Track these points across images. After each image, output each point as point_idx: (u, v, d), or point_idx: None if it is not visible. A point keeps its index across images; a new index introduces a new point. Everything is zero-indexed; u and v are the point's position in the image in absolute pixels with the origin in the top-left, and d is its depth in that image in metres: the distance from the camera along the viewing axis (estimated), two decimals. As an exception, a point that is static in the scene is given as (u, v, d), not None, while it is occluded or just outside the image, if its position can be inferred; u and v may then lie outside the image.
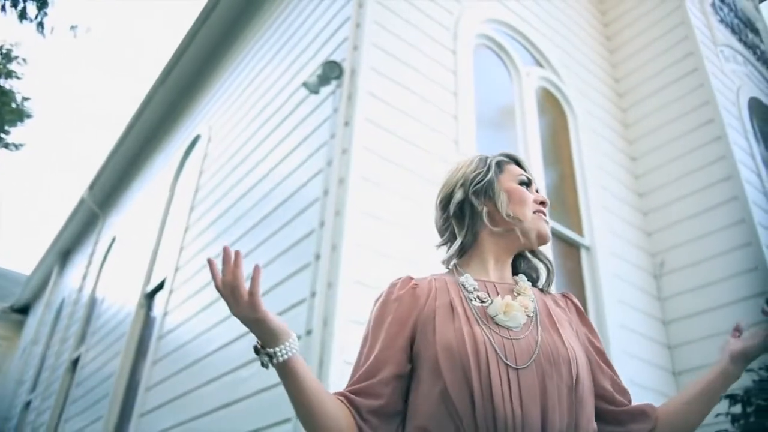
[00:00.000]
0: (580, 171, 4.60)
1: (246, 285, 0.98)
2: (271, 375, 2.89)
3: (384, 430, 1.07)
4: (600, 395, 1.15)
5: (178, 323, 4.32)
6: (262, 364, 1.01)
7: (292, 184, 3.54)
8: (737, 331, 1.18)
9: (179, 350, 4.11)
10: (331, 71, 3.43)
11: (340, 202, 2.93)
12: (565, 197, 4.52)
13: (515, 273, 1.26)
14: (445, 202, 1.28)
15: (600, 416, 1.14)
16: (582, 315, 1.24)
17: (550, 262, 1.28)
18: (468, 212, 1.24)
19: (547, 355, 1.04)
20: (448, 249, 1.26)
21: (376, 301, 1.23)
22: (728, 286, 4.07)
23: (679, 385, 4.10)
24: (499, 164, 1.29)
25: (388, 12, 3.75)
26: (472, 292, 1.14)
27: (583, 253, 4.30)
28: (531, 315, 1.11)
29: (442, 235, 1.30)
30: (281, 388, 2.82)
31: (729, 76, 5.31)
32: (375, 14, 3.63)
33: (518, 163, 1.32)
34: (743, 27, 6.49)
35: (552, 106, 4.90)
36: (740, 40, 6.20)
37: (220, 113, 5.53)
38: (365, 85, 3.33)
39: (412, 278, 1.22)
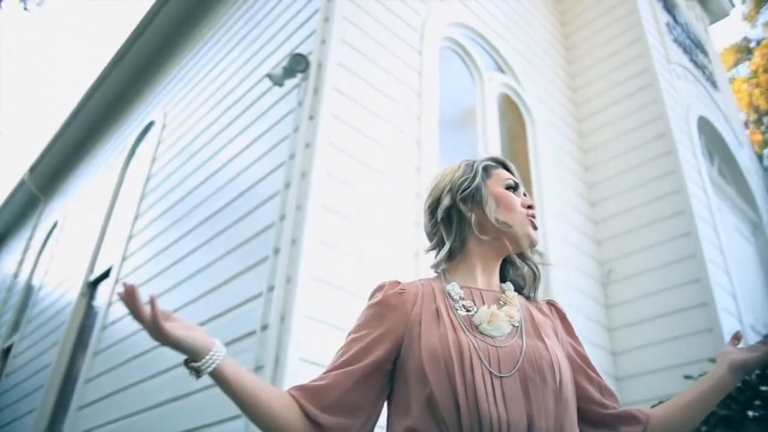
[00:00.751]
0: (537, 177, 4.68)
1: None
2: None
3: (342, 423, 1.07)
4: (588, 399, 1.16)
5: (124, 313, 4.17)
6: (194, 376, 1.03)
7: (251, 175, 3.47)
8: (736, 339, 1.19)
9: (124, 342, 3.98)
10: (297, 64, 3.38)
11: (302, 196, 2.89)
12: (520, 203, 4.58)
13: (503, 279, 1.27)
14: (432, 207, 1.28)
15: (589, 420, 1.16)
16: (566, 322, 1.26)
17: (537, 267, 1.28)
18: (456, 218, 1.23)
19: (531, 361, 1.05)
20: (437, 254, 1.25)
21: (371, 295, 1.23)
22: (672, 296, 4.21)
23: (621, 390, 4.21)
24: (486, 169, 1.29)
25: (357, 8, 3.73)
26: (457, 301, 1.14)
27: (537, 259, 4.37)
28: (516, 324, 1.12)
29: (431, 240, 1.29)
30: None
31: (681, 94, 5.50)
32: (344, 9, 3.60)
33: (506, 167, 1.33)
34: (694, 48, 6.75)
35: (512, 112, 4.96)
36: (691, 60, 6.44)
37: (176, 100, 5.38)
38: (331, 80, 3.29)
39: (399, 282, 1.21)
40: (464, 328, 1.08)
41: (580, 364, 1.19)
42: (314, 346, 2.51)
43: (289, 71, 3.42)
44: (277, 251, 2.82)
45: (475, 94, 4.67)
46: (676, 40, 6.25)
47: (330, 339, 2.57)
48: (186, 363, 1.02)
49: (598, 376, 1.21)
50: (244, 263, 3.03)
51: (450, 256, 1.23)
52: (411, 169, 3.53)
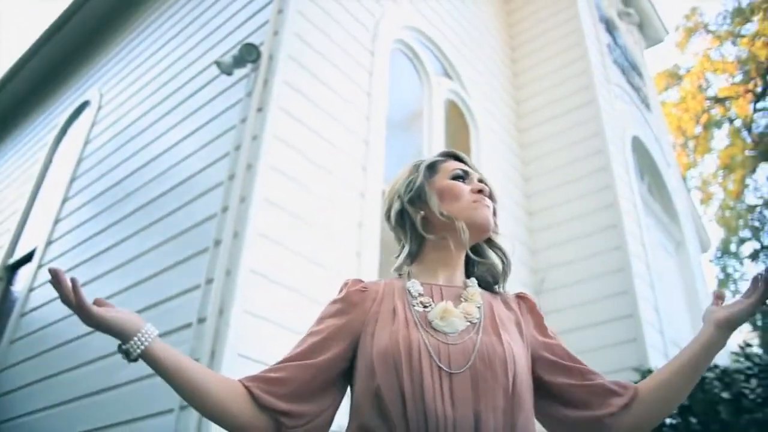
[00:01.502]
0: (478, 185, 4.76)
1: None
2: (142, 368, 2.73)
3: (298, 410, 1.07)
4: (561, 388, 1.14)
5: (47, 300, 3.97)
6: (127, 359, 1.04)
7: (194, 164, 3.37)
8: (719, 298, 1.13)
9: (46, 330, 3.79)
10: (248, 54, 3.31)
11: (246, 189, 2.83)
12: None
13: (470, 274, 1.25)
14: (387, 214, 1.29)
15: (565, 401, 1.13)
16: (535, 314, 1.22)
17: (504, 254, 1.26)
18: (408, 221, 1.24)
19: (483, 358, 1.04)
20: (398, 257, 1.26)
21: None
22: (600, 307, 4.37)
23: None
24: (431, 166, 1.28)
25: (311, 3, 3.69)
26: (416, 297, 1.14)
27: (507, 249, 4.44)
28: (475, 321, 1.11)
29: (398, 244, 1.30)
30: (158, 378, 2.68)
31: (617, 113, 5.73)
32: (298, 3, 3.55)
33: (457, 158, 1.32)
34: (631, 70, 7.04)
35: (457, 118, 5.04)
36: (628, 81, 6.71)
37: (115, 80, 5.17)
38: (282, 74, 3.24)
39: (361, 281, 1.21)
40: (418, 325, 1.08)
41: (549, 358, 1.16)
42: (252, 342, 2.46)
43: (239, 61, 3.34)
44: (217, 243, 2.76)
45: (423, 97, 4.71)
46: (615, 61, 6.50)
47: (269, 335, 2.53)
48: (119, 347, 1.02)
49: (575, 362, 1.18)
50: (182, 254, 2.94)
51: (411, 258, 1.24)
52: (357, 169, 3.53)
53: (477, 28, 5.76)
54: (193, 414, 2.26)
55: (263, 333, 2.52)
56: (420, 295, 1.15)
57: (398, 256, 1.26)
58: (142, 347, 1.01)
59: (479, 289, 1.21)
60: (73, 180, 4.82)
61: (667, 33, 8.89)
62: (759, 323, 14.23)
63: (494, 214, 1.26)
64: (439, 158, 1.31)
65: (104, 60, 5.63)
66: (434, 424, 0.97)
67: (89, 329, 3.09)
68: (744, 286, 14.75)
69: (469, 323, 1.10)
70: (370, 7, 4.24)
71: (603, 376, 1.16)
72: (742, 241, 14.92)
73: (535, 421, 1.10)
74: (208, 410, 1.04)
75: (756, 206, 14.72)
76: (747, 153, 14.21)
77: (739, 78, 14.09)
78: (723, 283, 14.70)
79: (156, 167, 3.75)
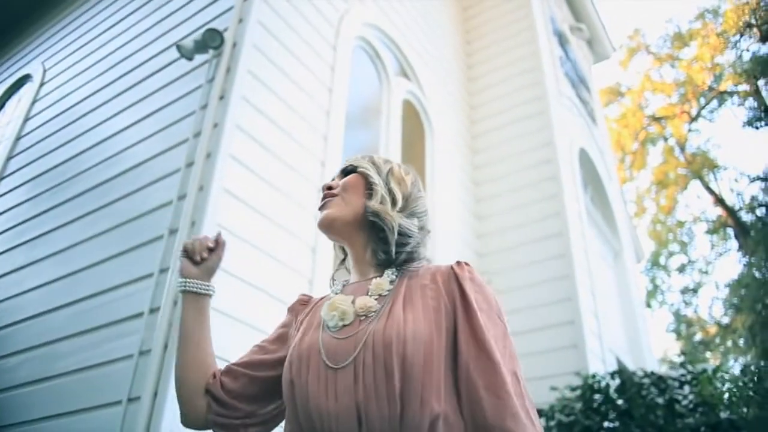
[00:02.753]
0: (431, 185, 4.81)
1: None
2: (99, 352, 2.62)
3: (240, 406, 1.18)
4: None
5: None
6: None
7: (148, 148, 3.26)
8: None
9: (-24, 314, 3.58)
10: (212, 40, 3.23)
11: (205, 178, 2.76)
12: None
13: (393, 261, 1.18)
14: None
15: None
16: (459, 285, 1.09)
17: (381, 217, 1.18)
18: None
19: (369, 347, 1.01)
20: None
21: None
22: (543, 312, 4.49)
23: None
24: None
25: (277, -8, 3.63)
26: (329, 300, 1.18)
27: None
28: (372, 314, 1.07)
29: None
30: (109, 368, 2.58)
31: (566, 125, 5.89)
32: (264, -9, 3.49)
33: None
34: (579, 83, 7.26)
35: (413, 118, 5.07)
36: (577, 94, 6.92)
37: (61, 55, 4.94)
38: (246, 62, 3.18)
39: (307, 296, 1.32)
40: (321, 326, 1.12)
41: (458, 344, 1.03)
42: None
43: (201, 46, 3.26)
44: (173, 232, 2.68)
45: (381, 96, 4.72)
46: (566, 74, 6.69)
47: (222, 327, 2.48)
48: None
49: (478, 352, 1.01)
50: (132, 241, 2.84)
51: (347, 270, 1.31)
52: (316, 164, 3.50)
53: (435, 31, 5.81)
54: (143, 406, 2.19)
55: (216, 325, 2.46)
56: (335, 294, 1.19)
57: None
58: (180, 288, 1.26)
59: (391, 276, 1.15)
60: (9, 158, 4.58)
61: (614, 50, 9.23)
62: (682, 332, 14.94)
63: (367, 182, 1.24)
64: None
65: (48, 32, 5.38)
66: (318, 420, 0.99)
67: (26, 314, 2.94)
68: (671, 297, 15.46)
69: (363, 316, 1.08)
70: (334, 2, 4.22)
71: (483, 407, 0.96)
72: (670, 254, 15.64)
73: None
74: (178, 376, 1.23)
75: (685, 222, 15.46)
76: (679, 171, 14.90)
77: (675, 99, 14.76)
78: (651, 294, 15.36)
79: (105, 150, 3.61)
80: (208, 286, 1.26)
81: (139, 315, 2.50)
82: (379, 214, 1.18)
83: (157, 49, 3.73)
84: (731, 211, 14.20)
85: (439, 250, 4.52)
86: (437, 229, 4.61)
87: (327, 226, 1.21)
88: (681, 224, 15.40)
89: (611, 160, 8.04)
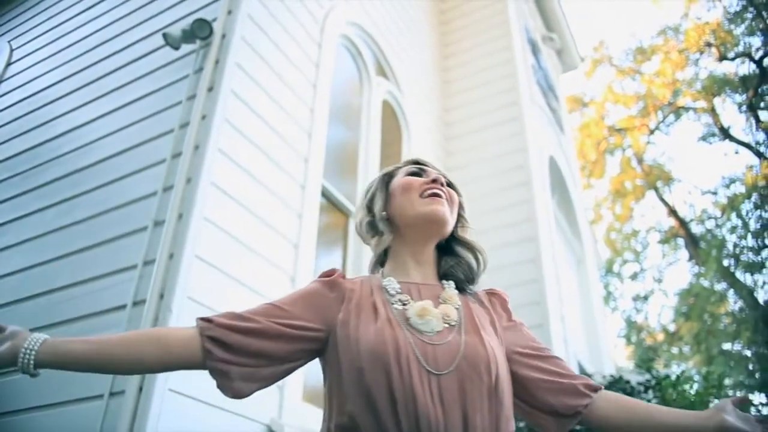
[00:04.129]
0: (407, 187, 4.84)
1: None
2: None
3: (237, 360, 1.09)
4: (536, 384, 1.16)
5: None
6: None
7: (129, 137, 3.19)
8: (742, 401, 1.09)
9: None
10: (201, 30, 3.19)
11: (192, 170, 2.72)
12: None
13: (443, 273, 1.27)
14: (358, 226, 1.34)
15: (533, 394, 1.16)
16: (506, 310, 1.26)
17: (477, 252, 1.28)
18: (370, 228, 1.29)
19: (468, 359, 1.07)
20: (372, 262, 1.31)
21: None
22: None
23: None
24: (390, 172, 1.34)
25: (266, -14, 3.60)
26: (393, 296, 1.16)
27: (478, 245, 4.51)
28: (453, 323, 1.13)
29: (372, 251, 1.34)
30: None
31: (538, 132, 6.01)
32: (253, -16, 3.45)
33: (417, 162, 1.36)
34: (549, 92, 7.41)
35: (391, 118, 5.09)
36: (547, 102, 7.06)
37: (32, 34, 4.76)
38: (235, 55, 3.15)
39: (343, 274, 1.24)
40: (400, 324, 1.10)
41: (523, 353, 1.18)
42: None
43: (189, 36, 3.21)
44: (158, 223, 2.63)
45: (362, 94, 4.73)
46: (538, 82, 6.82)
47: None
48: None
49: (545, 358, 1.19)
50: (115, 231, 2.78)
51: (381, 259, 1.28)
52: (300, 161, 3.48)
53: (414, 33, 5.85)
54: (127, 401, 2.15)
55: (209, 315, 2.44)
56: (398, 292, 1.17)
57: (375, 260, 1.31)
58: (32, 361, 0.98)
59: (455, 290, 1.22)
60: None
61: (582, 60, 9.44)
62: (632, 338, 15.39)
63: (460, 207, 1.31)
64: (401, 165, 1.37)
65: (16, 8, 5.19)
66: (426, 426, 0.99)
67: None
68: (623, 303, 15.93)
69: (447, 325, 1.12)
70: (320, -1, 4.21)
71: (573, 374, 1.19)
72: (624, 262, 16.10)
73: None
74: (144, 368, 1.18)
75: (639, 231, 15.95)
76: (636, 182, 15.36)
77: (635, 111, 15.21)
78: (605, 300, 15.79)
79: (81, 136, 3.51)
80: (25, 344, 1.00)
81: (122, 307, 2.45)
82: (473, 249, 1.28)
83: (140, 34, 3.65)
84: (683, 223, 14.71)
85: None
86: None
87: (441, 224, 1.22)
88: (635, 233, 15.88)
89: (576, 167, 8.24)
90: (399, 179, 1.28)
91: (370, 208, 1.29)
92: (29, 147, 3.81)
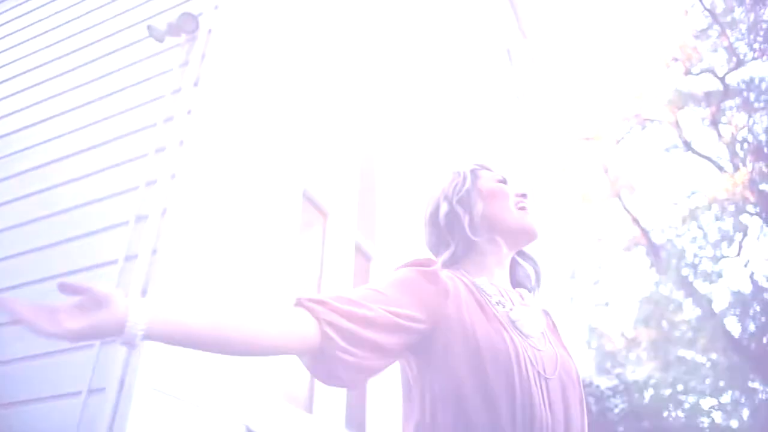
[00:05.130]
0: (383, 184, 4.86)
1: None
2: (46, 341, 2.50)
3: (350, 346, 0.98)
4: None
5: None
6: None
7: (108, 129, 3.13)
8: None
9: None
10: (187, 24, 3.15)
11: (177, 165, 2.68)
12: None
13: (515, 281, 1.30)
14: (433, 217, 1.27)
15: None
16: (557, 331, 1.28)
17: (535, 262, 1.31)
18: (456, 223, 1.23)
19: (564, 367, 1.11)
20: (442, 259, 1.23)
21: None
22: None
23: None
24: (473, 172, 1.31)
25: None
26: (492, 296, 1.14)
27: (372, 264, 4.53)
28: (543, 331, 1.17)
29: (435, 252, 1.27)
30: (67, 357, 2.47)
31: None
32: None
33: (488, 169, 1.37)
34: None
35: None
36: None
37: (11, 14, 4.61)
38: (221, 50, 3.12)
39: (435, 262, 1.16)
40: (507, 326, 1.09)
41: None
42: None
43: (175, 29, 3.16)
44: (140, 218, 2.59)
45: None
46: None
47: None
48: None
49: None
50: (94, 225, 2.72)
51: (455, 259, 1.22)
52: (283, 160, 3.46)
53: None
54: (108, 398, 2.11)
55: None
56: (495, 294, 1.15)
57: (441, 257, 1.24)
58: (138, 335, 0.84)
59: (531, 296, 1.26)
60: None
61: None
62: (592, 344, 15.69)
63: None
64: (476, 167, 1.34)
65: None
66: (539, 428, 1.01)
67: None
68: (584, 309, 16.21)
69: (540, 330, 1.16)
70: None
71: None
72: (587, 268, 16.45)
73: None
74: (253, 351, 0.99)
75: (603, 238, 16.28)
76: (602, 189, 15.68)
77: (605, 120, 15.50)
78: (568, 305, 16.09)
79: (56, 126, 3.42)
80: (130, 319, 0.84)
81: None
82: (534, 260, 1.31)
83: (123, 24, 3.58)
84: (645, 232, 15.08)
85: (390, 242, 4.57)
86: (384, 221, 4.66)
87: (534, 238, 1.25)
88: (599, 241, 16.21)
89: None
90: (490, 184, 1.27)
91: (462, 203, 1.23)
92: (4, 134, 3.70)
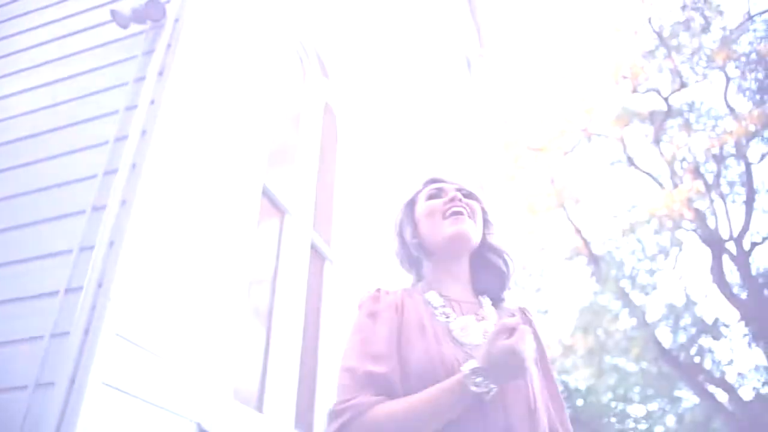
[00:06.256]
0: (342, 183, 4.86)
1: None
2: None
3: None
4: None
5: None
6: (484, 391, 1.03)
7: (65, 114, 3.02)
8: None
9: None
10: (152, 11, 3.07)
11: (139, 154, 2.62)
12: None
13: (478, 284, 1.34)
14: (394, 252, 1.42)
15: None
16: (537, 338, 1.29)
17: (506, 260, 1.35)
18: (404, 253, 1.38)
19: None
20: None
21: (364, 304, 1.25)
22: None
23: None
24: (410, 201, 1.41)
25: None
26: (437, 308, 1.21)
27: (327, 265, 4.52)
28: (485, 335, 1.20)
29: (410, 275, 1.41)
30: (11, 349, 2.38)
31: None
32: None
33: (435, 180, 1.41)
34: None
35: (329, 119, 5.10)
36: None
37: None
38: (188, 40, 3.05)
39: (383, 291, 1.27)
40: (446, 339, 1.15)
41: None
42: (136, 322, 2.29)
43: (140, 16, 3.08)
44: (97, 208, 2.51)
45: (304, 94, 4.71)
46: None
47: (153, 311, 2.38)
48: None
49: (556, 402, 1.28)
50: (47, 212, 2.62)
51: (419, 279, 1.36)
52: (245, 156, 3.42)
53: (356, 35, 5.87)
54: (57, 393, 2.04)
55: (145, 308, 2.36)
56: (441, 305, 1.22)
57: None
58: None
59: (493, 309, 1.30)
60: None
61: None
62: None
63: (484, 214, 1.36)
64: (419, 188, 1.41)
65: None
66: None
67: None
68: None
69: (485, 340, 1.17)
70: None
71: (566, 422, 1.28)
72: (529, 276, 16.85)
73: None
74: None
75: (546, 247, 16.70)
76: (548, 200, 16.09)
77: (553, 133, 15.92)
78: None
79: (8, 106, 3.29)
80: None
81: (53, 294, 2.33)
82: (503, 256, 1.32)
83: (85, 5, 3.46)
84: (587, 242, 15.55)
85: (345, 247, 4.58)
86: (341, 224, 4.66)
87: (466, 241, 1.27)
88: (542, 249, 16.62)
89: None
90: (421, 205, 1.33)
91: (401, 237, 1.36)
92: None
